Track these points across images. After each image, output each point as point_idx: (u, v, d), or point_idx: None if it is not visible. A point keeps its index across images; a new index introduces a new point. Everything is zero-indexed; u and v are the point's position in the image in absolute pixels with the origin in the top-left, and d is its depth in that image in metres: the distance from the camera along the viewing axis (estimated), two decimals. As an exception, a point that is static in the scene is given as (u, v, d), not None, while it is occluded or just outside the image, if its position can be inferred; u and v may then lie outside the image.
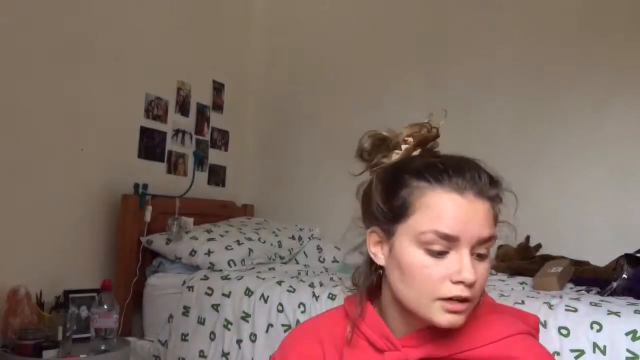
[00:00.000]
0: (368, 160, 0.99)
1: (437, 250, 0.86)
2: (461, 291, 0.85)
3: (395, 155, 0.97)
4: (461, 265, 0.85)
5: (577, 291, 2.41)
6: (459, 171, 0.89)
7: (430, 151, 0.99)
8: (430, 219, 0.86)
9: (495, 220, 0.91)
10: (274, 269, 2.81)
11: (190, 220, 2.75)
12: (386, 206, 0.91)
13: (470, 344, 0.90)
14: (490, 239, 0.88)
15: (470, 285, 0.86)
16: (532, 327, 1.00)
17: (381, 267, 0.95)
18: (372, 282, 0.98)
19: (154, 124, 3.02)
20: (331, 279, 2.68)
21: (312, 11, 3.78)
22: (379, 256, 0.93)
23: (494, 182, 0.91)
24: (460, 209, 0.86)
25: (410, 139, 0.97)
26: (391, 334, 0.94)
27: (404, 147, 0.97)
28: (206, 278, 2.57)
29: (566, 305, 2.01)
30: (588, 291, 2.39)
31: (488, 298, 0.99)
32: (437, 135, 1.01)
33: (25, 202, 2.35)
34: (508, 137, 3.20)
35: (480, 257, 0.88)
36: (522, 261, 2.87)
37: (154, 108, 3.02)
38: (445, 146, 3.44)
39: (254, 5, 3.88)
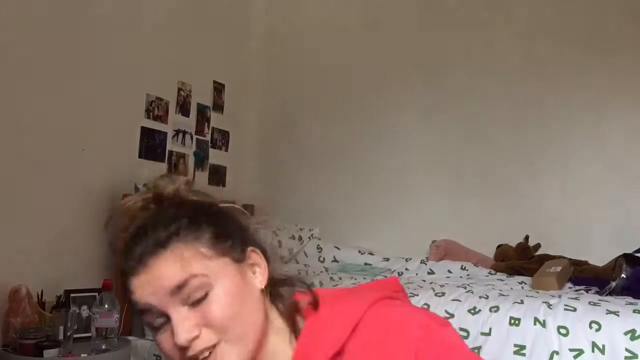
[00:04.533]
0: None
1: (155, 325, 0.81)
2: (192, 350, 0.78)
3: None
4: (173, 331, 0.79)
5: (576, 291, 2.42)
6: (126, 247, 0.82)
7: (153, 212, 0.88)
8: (135, 303, 0.82)
9: (190, 255, 0.80)
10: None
11: None
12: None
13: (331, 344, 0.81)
14: (185, 282, 0.79)
15: (193, 341, 0.78)
16: (391, 289, 0.93)
17: None
18: None
19: (155, 124, 3.03)
20: (331, 278, 2.68)
21: (312, 11, 3.79)
22: None
23: (156, 228, 0.82)
24: (138, 282, 0.80)
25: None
26: None
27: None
28: (206, 278, 2.57)
29: (565, 305, 2.02)
30: (587, 291, 2.40)
31: (323, 293, 0.90)
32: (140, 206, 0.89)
33: (26, 202, 2.35)
34: (507, 138, 3.21)
35: (198, 301, 0.79)
36: (521, 261, 2.88)
37: (155, 108, 3.03)
38: (446, 146, 3.44)
39: (254, 5, 3.89)
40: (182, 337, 0.77)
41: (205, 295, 0.79)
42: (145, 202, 0.88)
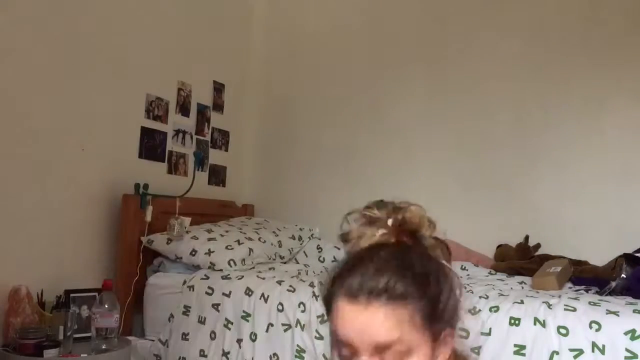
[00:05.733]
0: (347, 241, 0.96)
1: (345, 354, 0.84)
2: None
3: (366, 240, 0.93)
4: None
5: (576, 291, 2.42)
6: (354, 271, 0.84)
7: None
8: (335, 324, 0.85)
9: (406, 320, 0.82)
10: (274, 268, 2.82)
11: (188, 219, 2.74)
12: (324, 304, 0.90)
13: None
14: (392, 344, 0.81)
15: None
16: None
17: None
18: None
19: (155, 124, 3.03)
20: (331, 278, 2.68)
21: (312, 11, 3.79)
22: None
23: (397, 280, 0.83)
24: (351, 315, 0.82)
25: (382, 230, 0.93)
26: None
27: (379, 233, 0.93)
28: (207, 277, 2.57)
29: (565, 305, 2.02)
30: (587, 291, 2.40)
31: None
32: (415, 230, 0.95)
33: (26, 202, 2.35)
34: (507, 137, 3.20)
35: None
36: (521, 261, 2.88)
37: (155, 108, 3.03)
38: (446, 145, 3.44)
39: (255, 5, 3.89)
40: None
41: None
42: (389, 233, 0.92)
